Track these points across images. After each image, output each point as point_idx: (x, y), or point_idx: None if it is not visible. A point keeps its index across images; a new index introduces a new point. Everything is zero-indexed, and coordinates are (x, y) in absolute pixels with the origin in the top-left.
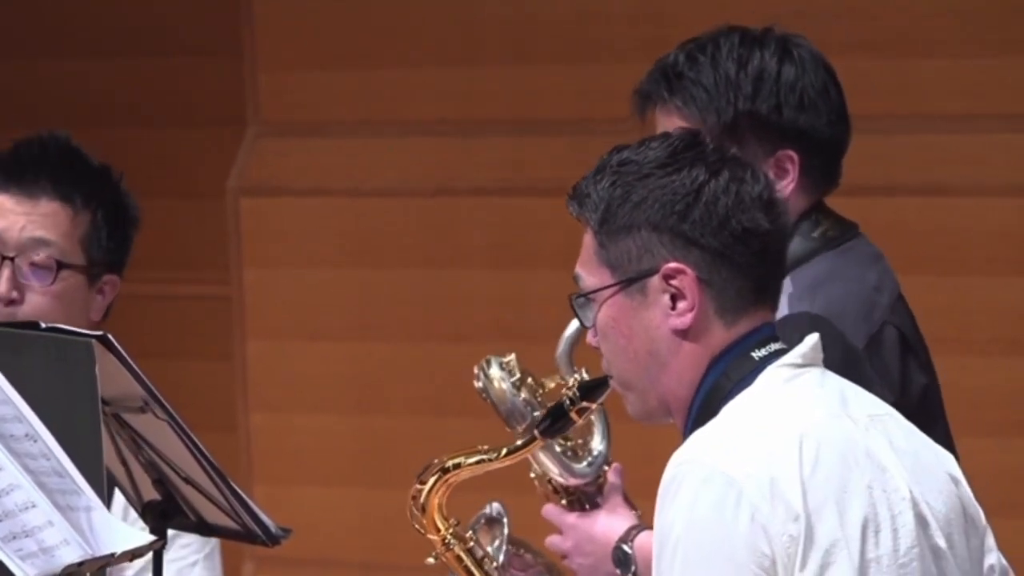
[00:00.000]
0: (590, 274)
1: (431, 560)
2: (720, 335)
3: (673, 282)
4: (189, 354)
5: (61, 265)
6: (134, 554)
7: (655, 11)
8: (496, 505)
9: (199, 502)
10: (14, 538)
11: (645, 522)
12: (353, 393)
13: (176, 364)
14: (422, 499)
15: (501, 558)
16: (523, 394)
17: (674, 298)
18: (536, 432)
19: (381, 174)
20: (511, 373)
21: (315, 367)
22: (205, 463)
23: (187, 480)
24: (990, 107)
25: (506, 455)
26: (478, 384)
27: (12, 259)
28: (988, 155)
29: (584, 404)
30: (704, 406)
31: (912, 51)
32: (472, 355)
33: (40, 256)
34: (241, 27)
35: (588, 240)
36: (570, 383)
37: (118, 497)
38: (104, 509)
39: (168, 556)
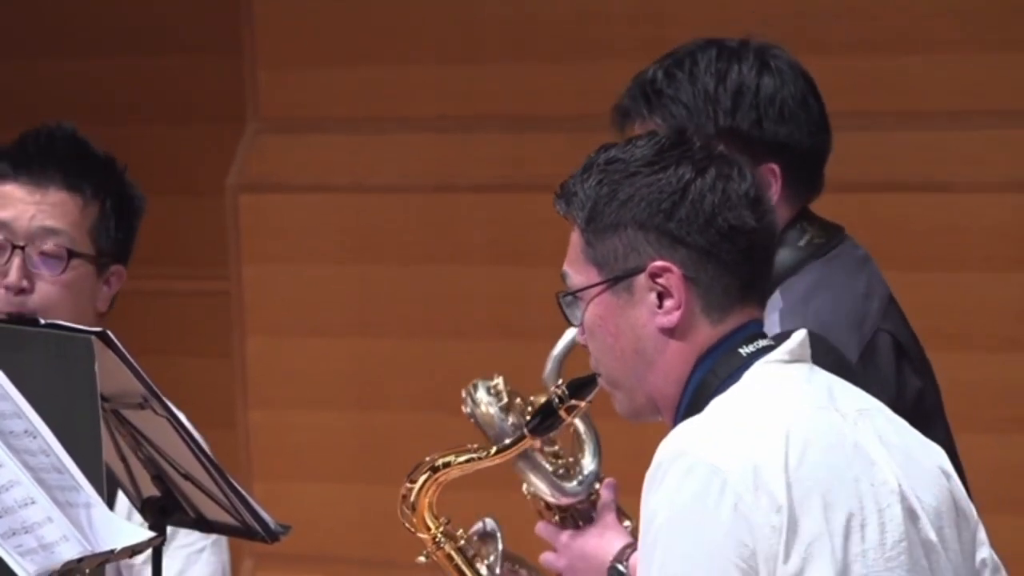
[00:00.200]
0: (577, 272)
1: (422, 559)
2: (707, 333)
3: (659, 280)
4: (188, 351)
5: (72, 254)
6: (133, 550)
7: (655, 10)
8: (490, 521)
9: (198, 498)
10: (13, 534)
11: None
12: (353, 389)
13: (175, 360)
14: (412, 498)
15: (497, 572)
16: (511, 418)
17: (660, 296)
18: (525, 430)
19: (381, 171)
20: (498, 397)
21: (314, 363)
22: (204, 459)
23: (186, 476)
24: (989, 104)
25: (496, 454)
26: (466, 409)
27: (22, 248)
28: (987, 152)
29: (573, 402)
30: (692, 403)
31: (911, 49)
32: (472, 351)
33: (50, 245)
34: (241, 24)
35: (575, 238)
36: (559, 381)
37: (122, 498)
38: (103, 505)
39: (176, 543)
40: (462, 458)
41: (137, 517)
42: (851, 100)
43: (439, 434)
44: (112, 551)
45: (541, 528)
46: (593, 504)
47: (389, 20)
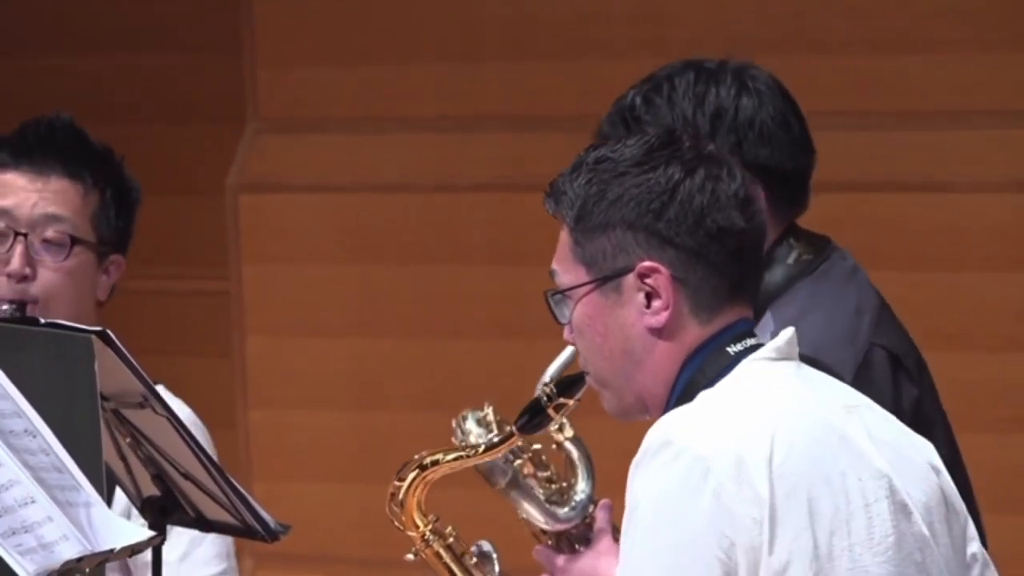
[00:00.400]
0: (566, 271)
1: (410, 556)
2: (695, 333)
3: (648, 281)
4: (188, 350)
5: (75, 240)
6: (133, 550)
7: (655, 10)
8: (486, 543)
9: (198, 498)
10: (13, 534)
11: None
12: (353, 389)
13: (175, 360)
14: (400, 495)
15: None
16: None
17: (649, 296)
18: (514, 428)
19: (381, 170)
20: (488, 428)
21: (314, 363)
22: (204, 459)
23: (186, 476)
24: (989, 104)
25: (484, 452)
26: (456, 441)
27: (24, 236)
28: (987, 152)
29: (561, 400)
30: (680, 402)
31: (911, 49)
32: (472, 351)
33: (53, 232)
34: (241, 24)
35: (564, 237)
36: (546, 379)
37: (119, 496)
38: (103, 505)
39: (178, 527)
40: (450, 456)
41: (135, 515)
42: (851, 100)
43: (439, 434)
44: (112, 550)
45: (538, 552)
46: (589, 526)
47: (389, 20)
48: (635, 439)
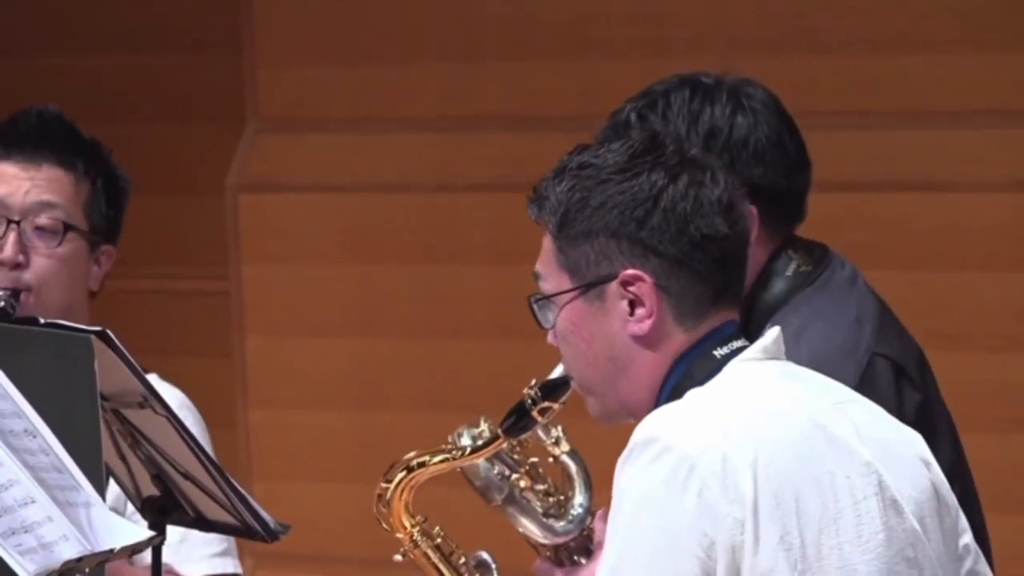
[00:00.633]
0: (549, 276)
1: (398, 557)
2: (680, 339)
3: (631, 289)
4: (188, 350)
5: (68, 227)
6: (133, 550)
7: (655, 10)
8: (484, 554)
9: (198, 498)
10: (13, 534)
11: None
12: (353, 389)
13: (175, 360)
14: (387, 497)
15: None
16: (497, 467)
17: (632, 304)
18: (499, 431)
19: (381, 170)
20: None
21: (314, 363)
22: (204, 459)
23: (186, 476)
24: (989, 104)
25: (471, 454)
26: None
27: (17, 223)
28: (987, 152)
29: (546, 404)
30: None
31: (911, 49)
32: (472, 351)
33: (46, 219)
34: (240, 24)
35: (547, 243)
36: (532, 383)
37: (112, 487)
38: (103, 505)
39: None
40: (437, 458)
41: (130, 509)
42: (851, 100)
43: (439, 434)
44: (112, 550)
45: (538, 568)
46: (588, 538)
47: (389, 20)
48: (626, 440)
